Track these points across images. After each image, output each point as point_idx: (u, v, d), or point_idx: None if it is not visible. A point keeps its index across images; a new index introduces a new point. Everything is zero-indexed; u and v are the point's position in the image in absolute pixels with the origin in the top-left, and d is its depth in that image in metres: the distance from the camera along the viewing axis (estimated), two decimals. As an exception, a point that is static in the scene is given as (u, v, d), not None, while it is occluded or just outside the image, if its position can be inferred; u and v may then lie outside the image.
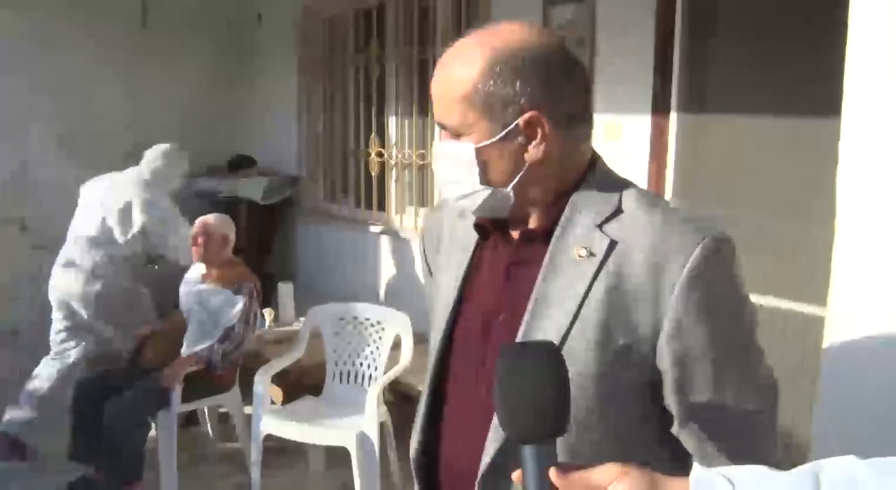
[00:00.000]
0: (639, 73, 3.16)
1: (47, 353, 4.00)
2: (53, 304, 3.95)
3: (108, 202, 3.91)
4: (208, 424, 4.00)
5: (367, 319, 3.66)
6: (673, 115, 3.13)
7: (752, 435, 1.13)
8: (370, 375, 3.58)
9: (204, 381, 3.49)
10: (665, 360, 1.08)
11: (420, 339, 3.31)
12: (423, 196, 4.48)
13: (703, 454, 1.11)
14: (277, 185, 5.21)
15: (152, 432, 3.39)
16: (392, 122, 4.63)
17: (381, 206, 4.76)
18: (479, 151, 1.12)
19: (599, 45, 3.32)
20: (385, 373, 3.48)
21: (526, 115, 1.10)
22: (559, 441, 0.88)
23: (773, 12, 2.85)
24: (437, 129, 1.20)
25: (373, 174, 4.74)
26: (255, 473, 3.37)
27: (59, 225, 4.90)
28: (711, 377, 1.08)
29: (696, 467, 0.83)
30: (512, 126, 1.10)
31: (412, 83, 4.45)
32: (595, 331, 1.08)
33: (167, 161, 4.05)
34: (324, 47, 5.13)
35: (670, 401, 1.11)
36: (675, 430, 1.13)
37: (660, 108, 3.13)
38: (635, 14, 3.14)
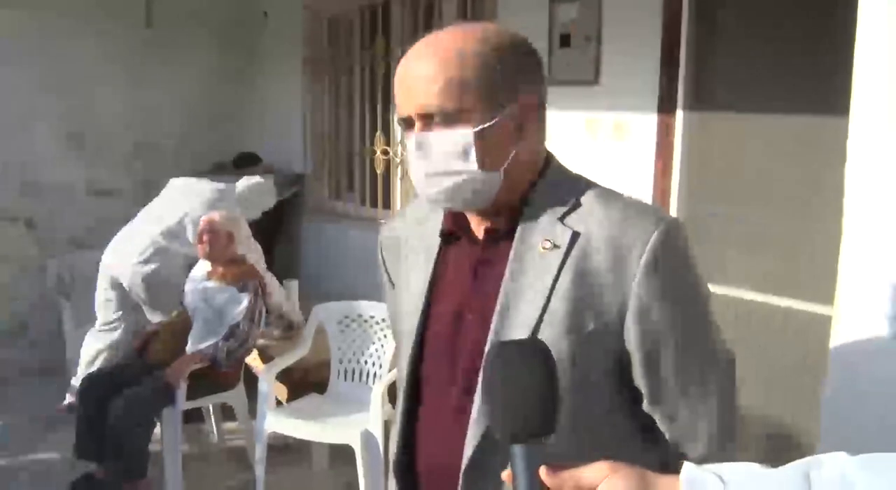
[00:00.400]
0: (645, 71, 3.15)
1: (54, 349, 4.04)
2: (101, 273, 4.11)
3: (195, 203, 4.12)
4: (213, 422, 4.00)
5: (372, 317, 3.65)
6: (679, 114, 3.12)
7: (716, 408, 1.18)
8: (375, 373, 3.58)
9: (209, 379, 3.49)
10: (632, 341, 1.13)
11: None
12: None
13: (672, 429, 1.17)
14: (283, 183, 5.21)
15: (157, 430, 3.40)
16: (397, 120, 4.62)
17: (387, 204, 4.76)
18: (476, 135, 1.13)
19: (605, 43, 3.31)
20: (390, 370, 3.48)
21: (521, 99, 1.15)
22: None
23: (780, 10, 2.84)
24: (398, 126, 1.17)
25: (378, 172, 4.74)
26: (260, 471, 3.37)
27: (65, 223, 4.93)
28: (675, 354, 1.14)
29: (687, 465, 0.83)
30: (507, 110, 1.14)
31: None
32: (564, 320, 1.12)
33: (260, 190, 4.46)
34: (329, 45, 5.14)
35: (639, 380, 1.16)
36: (645, 406, 1.18)
37: (666, 106, 3.12)
38: (641, 12, 3.13)
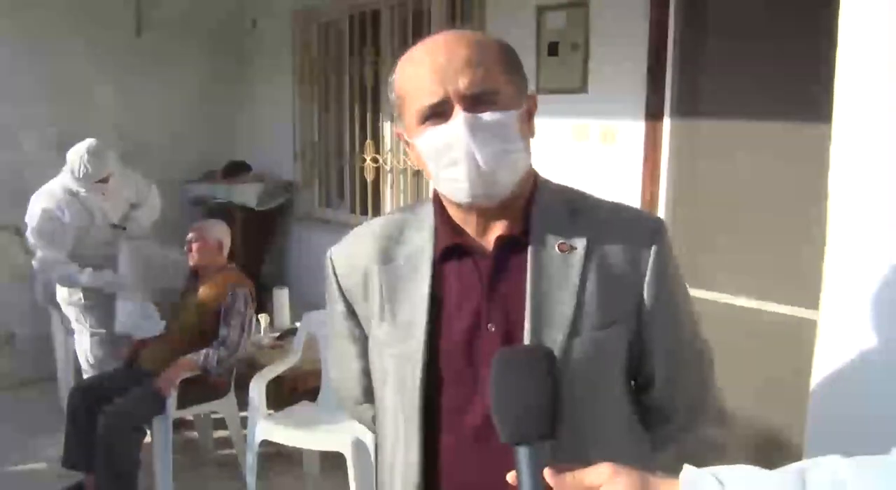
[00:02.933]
0: (632, 78, 3.17)
1: (43, 358, 4.00)
2: None
3: None
4: (204, 430, 3.99)
5: (363, 325, 3.65)
6: (666, 120, 3.15)
7: (707, 381, 1.35)
8: (365, 381, 3.57)
9: (199, 387, 3.48)
10: (650, 333, 1.21)
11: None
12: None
13: (669, 411, 1.30)
14: (272, 191, 5.21)
15: (147, 439, 3.38)
16: (387, 128, 4.64)
17: (377, 212, 4.77)
18: (516, 118, 1.15)
19: (593, 51, 3.33)
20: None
21: (529, 91, 1.20)
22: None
23: (766, 18, 2.87)
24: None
25: (368, 180, 4.75)
26: (251, 479, 3.36)
27: (54, 231, 4.88)
28: (685, 343, 1.27)
29: (687, 467, 0.85)
30: (526, 100, 1.19)
31: (407, 89, 4.46)
32: (595, 318, 1.16)
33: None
34: (318, 53, 5.15)
35: (650, 368, 1.25)
36: (650, 399, 1.28)
37: (653, 113, 3.15)
38: (628, 20, 3.16)
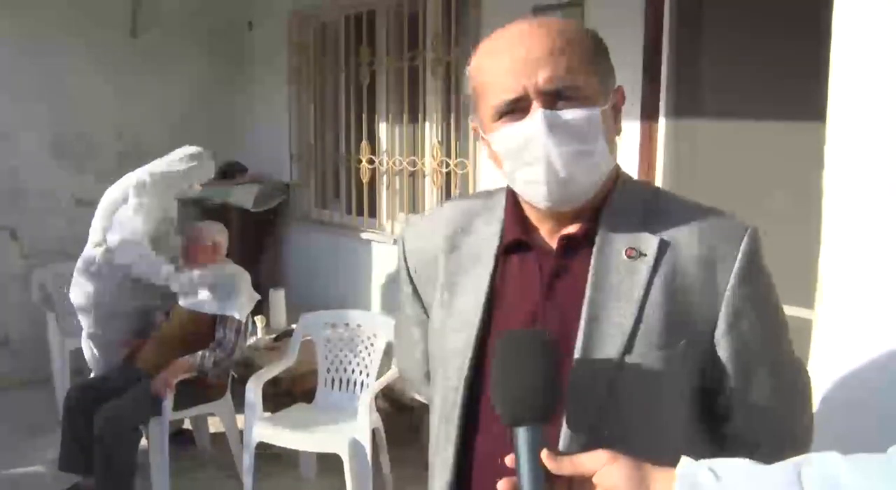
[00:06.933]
0: (627, 78, 3.16)
1: (38, 360, 3.99)
2: None
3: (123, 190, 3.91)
4: (199, 432, 3.98)
5: (359, 326, 3.66)
6: (662, 120, 3.15)
7: (800, 410, 1.17)
8: (362, 382, 3.58)
9: (196, 389, 3.48)
10: (724, 354, 1.07)
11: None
12: (413, 203, 4.48)
13: (751, 445, 1.10)
14: (268, 192, 5.21)
15: (143, 441, 3.38)
16: (383, 129, 4.64)
17: (372, 213, 4.77)
18: (599, 115, 1.06)
19: (588, 52, 3.33)
20: (377, 379, 3.48)
21: (616, 85, 1.10)
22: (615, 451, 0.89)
23: (762, 17, 2.87)
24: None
25: (364, 181, 4.75)
26: (248, 481, 3.36)
27: (49, 233, 4.90)
28: (769, 366, 1.10)
29: (684, 459, 0.85)
30: (612, 96, 1.09)
31: (403, 89, 4.46)
32: (658, 333, 1.04)
33: (190, 159, 4.07)
34: (314, 54, 5.14)
35: (726, 393, 1.10)
36: (729, 428, 1.12)
37: (648, 113, 3.15)
38: (623, 20, 3.16)
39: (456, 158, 4.07)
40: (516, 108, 1.04)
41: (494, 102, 1.06)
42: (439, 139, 4.22)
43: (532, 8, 3.48)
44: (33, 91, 4.85)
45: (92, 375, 3.83)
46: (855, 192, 1.46)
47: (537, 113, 1.02)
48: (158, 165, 3.86)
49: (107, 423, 3.18)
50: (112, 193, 3.79)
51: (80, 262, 3.78)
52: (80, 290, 3.76)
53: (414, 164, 4.41)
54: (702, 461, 0.85)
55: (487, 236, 1.17)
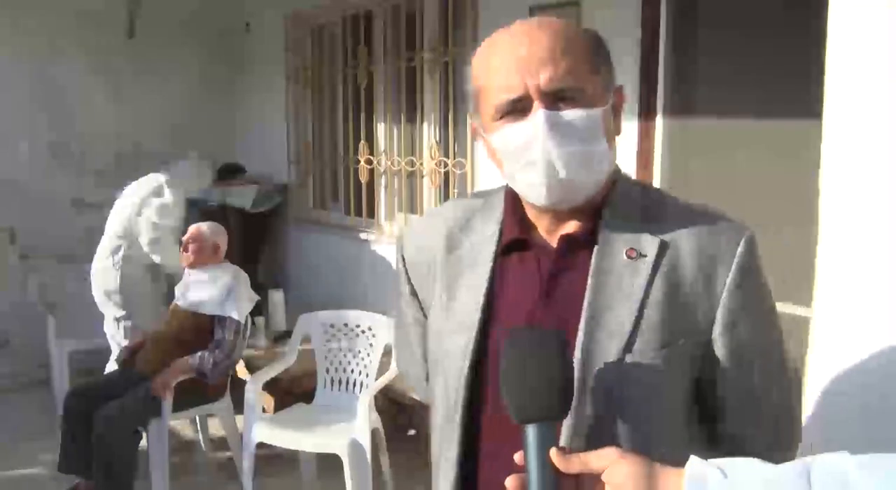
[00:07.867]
0: (624, 78, 3.15)
1: (37, 363, 4.02)
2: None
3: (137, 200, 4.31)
4: (199, 433, 3.98)
5: (358, 326, 3.66)
6: (659, 120, 3.16)
7: (791, 412, 1.20)
8: (361, 382, 3.58)
9: (195, 390, 3.48)
10: (720, 354, 1.09)
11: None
12: (412, 203, 4.48)
13: (744, 446, 1.13)
14: (267, 193, 5.21)
15: (143, 442, 3.38)
16: (381, 130, 4.64)
17: (371, 214, 4.77)
18: (600, 116, 1.06)
19: (586, 51, 3.33)
20: (376, 379, 3.48)
21: (616, 85, 1.11)
22: (615, 449, 0.90)
23: (758, 16, 2.88)
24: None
25: (362, 181, 4.75)
26: (247, 482, 3.36)
27: (48, 235, 4.90)
28: (762, 366, 1.12)
29: (693, 458, 0.85)
30: (612, 96, 1.10)
31: (400, 90, 4.46)
32: (658, 333, 1.05)
33: (193, 169, 4.69)
34: (312, 55, 5.15)
35: (719, 391, 1.12)
36: (720, 426, 1.15)
37: (646, 112, 3.15)
38: (620, 20, 3.16)
39: (454, 158, 4.07)
40: (517, 108, 1.04)
41: (496, 102, 1.06)
42: (437, 139, 4.22)
43: (529, 8, 3.48)
44: (31, 93, 4.85)
45: (109, 363, 3.95)
46: (852, 190, 1.46)
47: (539, 113, 1.02)
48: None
49: (106, 424, 3.18)
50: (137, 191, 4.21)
51: (101, 253, 4.11)
52: (103, 280, 4.06)
53: (412, 164, 4.41)
54: (711, 461, 0.85)
55: (486, 236, 1.17)
